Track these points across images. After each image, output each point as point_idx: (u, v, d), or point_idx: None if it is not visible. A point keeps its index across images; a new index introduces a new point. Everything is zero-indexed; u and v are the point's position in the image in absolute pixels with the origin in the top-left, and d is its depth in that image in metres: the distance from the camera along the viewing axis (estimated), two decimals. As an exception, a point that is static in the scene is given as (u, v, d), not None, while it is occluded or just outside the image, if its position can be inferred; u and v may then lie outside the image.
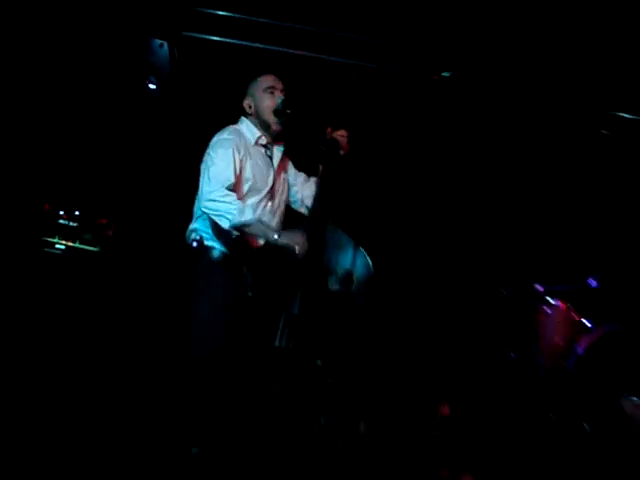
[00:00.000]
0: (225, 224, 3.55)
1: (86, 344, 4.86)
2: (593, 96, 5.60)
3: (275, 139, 3.97)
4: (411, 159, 5.76)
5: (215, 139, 3.78)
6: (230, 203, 3.55)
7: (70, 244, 5.24)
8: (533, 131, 5.83)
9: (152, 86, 5.30)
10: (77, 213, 5.30)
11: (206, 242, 3.75)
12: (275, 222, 3.90)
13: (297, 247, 3.53)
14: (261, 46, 5.43)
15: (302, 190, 4.11)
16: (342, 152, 3.86)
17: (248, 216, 3.55)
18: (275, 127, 3.88)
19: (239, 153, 3.72)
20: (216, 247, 3.75)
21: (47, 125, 5.38)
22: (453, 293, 5.86)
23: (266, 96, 3.87)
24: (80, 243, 5.26)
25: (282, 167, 4.05)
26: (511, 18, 4.93)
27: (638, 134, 5.82)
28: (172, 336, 3.78)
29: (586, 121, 5.74)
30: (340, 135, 3.85)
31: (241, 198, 3.70)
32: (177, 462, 3.59)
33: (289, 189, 4.09)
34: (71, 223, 5.27)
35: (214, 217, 3.59)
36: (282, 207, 4.02)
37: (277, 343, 3.61)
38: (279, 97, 3.86)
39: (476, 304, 5.81)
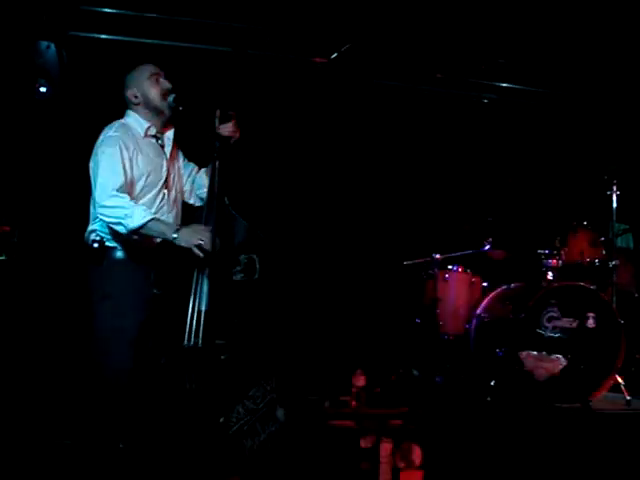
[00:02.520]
0: (121, 230, 3.53)
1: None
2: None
3: (164, 126, 3.88)
4: (302, 141, 5.91)
5: (101, 137, 3.67)
6: (122, 207, 3.49)
7: (-25, 255, 5.17)
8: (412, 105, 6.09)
9: (43, 89, 5.28)
10: (-22, 223, 5.25)
11: (107, 243, 3.68)
12: (174, 213, 3.87)
13: (195, 249, 3.55)
14: (147, 41, 5.48)
15: (194, 180, 4.06)
16: (236, 136, 3.81)
17: (141, 219, 3.50)
18: (167, 112, 3.79)
19: (128, 150, 3.64)
20: (117, 247, 3.67)
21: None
22: (358, 268, 6.06)
23: (152, 83, 3.77)
24: (-15, 253, 5.19)
25: (174, 155, 3.97)
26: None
27: (516, 102, 6.14)
28: (83, 341, 3.74)
29: (464, 90, 6.01)
30: (230, 118, 3.78)
31: (137, 196, 3.66)
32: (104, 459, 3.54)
33: (180, 176, 4.02)
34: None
35: (109, 224, 3.56)
36: (179, 197, 3.97)
37: (186, 343, 3.58)
38: (164, 83, 3.81)
39: (380, 277, 6.03)
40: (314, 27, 5.49)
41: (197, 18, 5.49)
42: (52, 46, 5.37)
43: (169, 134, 3.91)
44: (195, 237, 3.57)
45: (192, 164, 4.09)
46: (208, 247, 3.56)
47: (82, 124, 4.97)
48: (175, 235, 3.57)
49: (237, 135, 3.82)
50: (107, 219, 3.52)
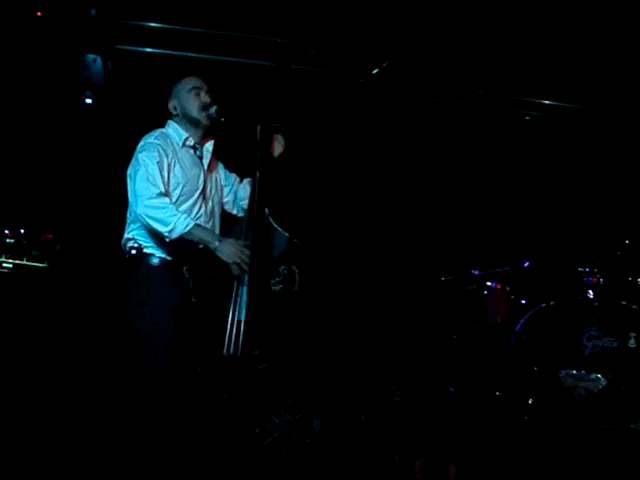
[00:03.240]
0: (164, 233, 3.51)
1: (40, 359, 4.87)
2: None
3: (204, 137, 3.88)
4: (343, 155, 5.92)
5: (142, 143, 3.70)
6: (165, 209, 3.51)
7: (18, 262, 5.23)
8: (460, 124, 6.07)
9: (88, 101, 5.39)
10: (22, 231, 5.30)
11: (145, 249, 3.67)
12: (211, 225, 3.85)
13: (233, 266, 3.57)
14: (192, 55, 5.58)
15: (236, 191, 4.05)
16: (278, 148, 3.88)
17: (185, 225, 3.52)
18: (205, 121, 3.79)
19: (167, 156, 3.66)
20: (155, 254, 3.67)
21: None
22: (396, 282, 6.03)
23: (191, 97, 3.80)
24: (27, 260, 5.25)
25: (213, 167, 3.96)
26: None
27: (559, 120, 6.09)
28: (121, 348, 3.74)
29: (506, 107, 5.98)
30: (273, 131, 3.84)
31: (173, 203, 3.65)
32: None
33: (220, 188, 4.01)
34: (17, 241, 5.27)
35: (151, 225, 3.53)
36: (216, 209, 3.94)
37: (225, 352, 3.55)
38: (204, 97, 3.83)
39: (418, 292, 6.00)
40: (356, 42, 5.52)
41: (241, 33, 5.57)
42: (98, 59, 5.50)
43: (208, 146, 3.92)
44: (235, 254, 3.59)
45: (234, 175, 4.09)
46: (245, 266, 3.57)
47: (124, 135, 4.98)
48: (217, 244, 3.58)
49: (280, 148, 3.88)
50: (150, 222, 3.51)
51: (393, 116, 5.88)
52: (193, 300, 3.68)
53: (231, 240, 3.64)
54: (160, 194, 3.55)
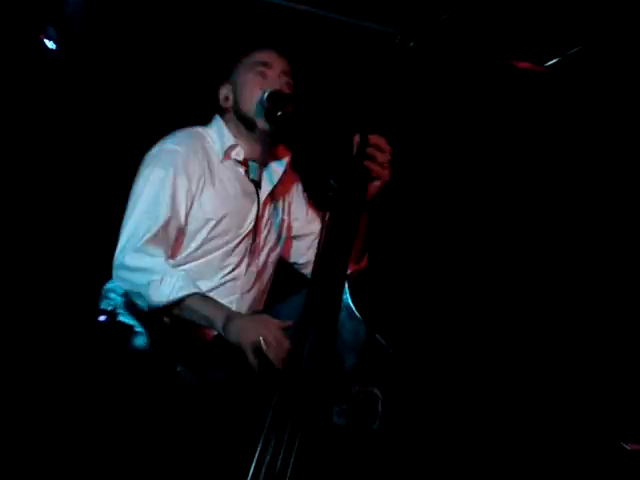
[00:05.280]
0: (142, 305, 2.30)
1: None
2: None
3: (269, 149, 2.56)
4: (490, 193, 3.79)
5: (155, 149, 2.47)
6: (147, 271, 2.26)
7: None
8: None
9: (50, 43, 3.17)
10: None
11: (121, 317, 2.41)
12: (255, 292, 2.55)
13: (250, 354, 2.09)
14: None
15: (313, 239, 2.69)
16: (376, 182, 2.27)
17: (169, 294, 2.22)
18: (262, 125, 2.45)
19: (190, 177, 2.42)
20: (137, 326, 2.41)
21: None
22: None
23: (251, 77, 2.48)
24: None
25: (277, 199, 2.63)
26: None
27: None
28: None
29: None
30: (373, 151, 2.24)
31: (191, 255, 2.44)
32: None
33: (289, 238, 2.69)
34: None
35: (123, 283, 2.36)
36: (270, 267, 2.62)
37: None
38: (275, 81, 2.45)
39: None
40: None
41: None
42: None
43: (276, 164, 2.59)
44: (254, 333, 2.10)
45: (318, 217, 2.70)
46: (273, 355, 2.07)
47: (113, 106, 3.06)
48: (225, 324, 2.17)
49: (385, 176, 2.27)
50: (123, 285, 2.37)
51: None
52: (194, 395, 2.29)
53: (263, 317, 2.22)
54: (152, 239, 2.33)
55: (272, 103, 2.36)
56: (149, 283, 2.24)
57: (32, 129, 3.07)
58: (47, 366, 2.94)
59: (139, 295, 2.28)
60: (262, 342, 2.05)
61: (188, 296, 2.20)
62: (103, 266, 2.35)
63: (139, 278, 2.26)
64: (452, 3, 3.01)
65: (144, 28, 3.14)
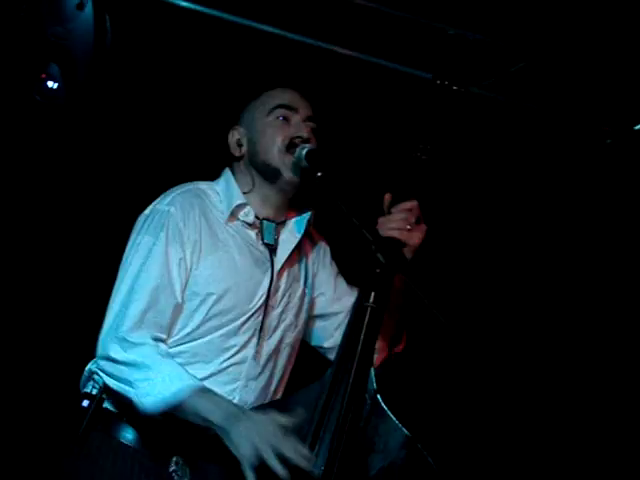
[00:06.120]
0: (132, 397, 1.95)
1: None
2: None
3: (288, 208, 2.22)
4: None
5: (148, 210, 2.14)
6: (133, 365, 1.95)
7: None
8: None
9: (51, 84, 2.79)
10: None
11: (107, 404, 2.04)
12: (262, 381, 2.14)
13: (247, 467, 1.78)
14: (255, 25, 2.97)
15: (343, 318, 2.26)
16: (408, 253, 1.99)
17: (159, 398, 1.90)
18: (288, 176, 2.12)
19: (188, 241, 2.07)
20: (123, 418, 2.04)
21: None
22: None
23: (273, 121, 2.15)
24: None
25: (298, 267, 2.25)
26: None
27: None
28: None
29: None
30: (403, 219, 1.98)
31: (189, 335, 2.06)
32: None
33: (312, 317, 2.30)
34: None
35: (109, 376, 2.00)
36: (285, 350, 2.20)
37: None
38: (300, 127, 2.13)
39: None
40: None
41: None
42: (89, 3, 2.80)
43: (294, 225, 2.21)
44: (249, 445, 1.80)
45: (347, 289, 2.31)
46: (278, 468, 1.75)
47: (121, 151, 2.72)
48: (226, 424, 1.86)
49: (416, 241, 1.99)
50: (106, 379, 2.02)
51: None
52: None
53: (258, 419, 1.87)
54: (139, 323, 1.99)
55: (311, 163, 2.04)
56: (134, 382, 1.92)
57: (26, 181, 2.76)
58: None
59: (125, 392, 1.96)
60: (255, 458, 1.76)
61: (192, 392, 1.87)
62: (87, 343, 2.01)
63: (124, 373, 1.95)
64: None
65: (154, 72, 2.82)
